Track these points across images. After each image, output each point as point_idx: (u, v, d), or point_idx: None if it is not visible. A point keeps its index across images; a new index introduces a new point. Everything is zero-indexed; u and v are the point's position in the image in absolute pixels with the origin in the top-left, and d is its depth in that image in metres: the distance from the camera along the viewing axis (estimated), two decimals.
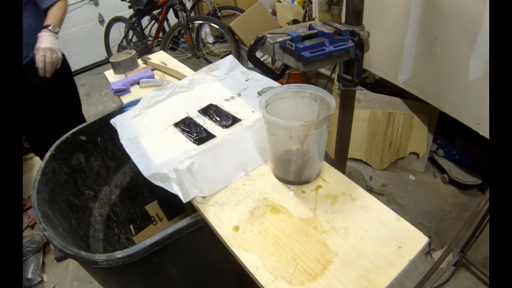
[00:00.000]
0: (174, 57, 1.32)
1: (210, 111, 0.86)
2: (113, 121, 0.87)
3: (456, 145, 2.01)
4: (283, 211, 0.61)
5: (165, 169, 0.65)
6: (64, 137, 0.91)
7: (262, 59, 1.40)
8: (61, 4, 1.32)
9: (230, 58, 1.06)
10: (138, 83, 1.12)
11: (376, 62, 1.83)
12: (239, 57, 3.03)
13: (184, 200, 0.62)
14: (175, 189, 0.63)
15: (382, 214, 0.58)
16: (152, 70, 1.21)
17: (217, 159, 0.68)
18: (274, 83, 0.94)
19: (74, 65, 3.73)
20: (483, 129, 1.35)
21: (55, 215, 0.77)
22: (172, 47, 3.49)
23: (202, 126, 0.81)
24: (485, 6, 1.18)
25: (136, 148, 0.76)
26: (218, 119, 0.82)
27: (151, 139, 0.79)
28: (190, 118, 0.84)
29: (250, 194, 0.64)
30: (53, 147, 0.86)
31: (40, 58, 1.16)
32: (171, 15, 3.34)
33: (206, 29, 3.87)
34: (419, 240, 0.54)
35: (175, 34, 3.28)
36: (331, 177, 0.67)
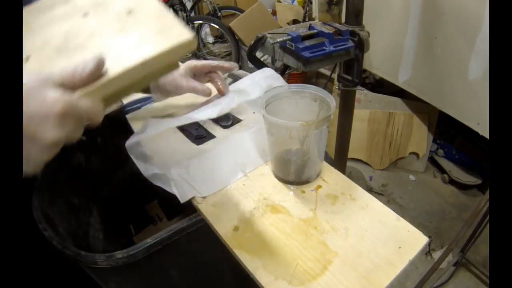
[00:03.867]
0: None
1: None
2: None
3: (456, 145, 2.01)
4: (283, 211, 0.61)
5: (164, 169, 0.65)
6: None
7: (262, 59, 1.40)
8: None
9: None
10: None
11: (376, 62, 1.83)
12: (239, 57, 3.03)
13: (182, 200, 0.62)
14: (173, 189, 0.63)
15: (382, 214, 0.58)
16: None
17: (216, 159, 0.68)
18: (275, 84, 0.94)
19: None
20: (483, 129, 1.35)
21: (55, 215, 0.77)
22: None
23: (202, 126, 0.81)
24: (485, 6, 1.18)
25: (137, 148, 0.76)
26: (218, 119, 0.82)
27: (151, 139, 0.79)
28: None
29: (250, 194, 0.64)
30: None
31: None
32: None
33: (206, 29, 3.87)
34: (419, 240, 0.54)
35: None
36: (331, 177, 0.67)
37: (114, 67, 0.38)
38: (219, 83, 0.77)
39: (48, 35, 0.45)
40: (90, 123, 0.38)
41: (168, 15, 0.44)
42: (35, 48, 0.44)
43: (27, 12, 0.49)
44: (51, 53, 0.43)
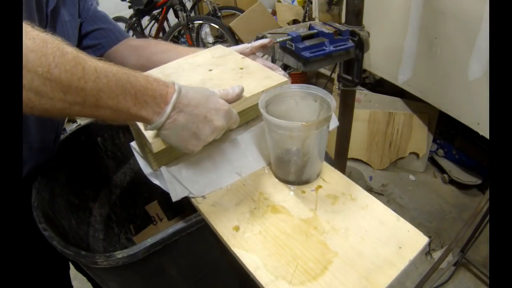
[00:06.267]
0: None
1: None
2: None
3: (456, 145, 2.01)
4: (283, 211, 0.61)
5: (161, 167, 0.65)
6: (64, 137, 0.90)
7: None
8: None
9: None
10: None
11: (376, 62, 1.83)
12: None
13: (174, 199, 0.62)
14: (168, 187, 0.63)
15: (382, 214, 0.58)
16: None
17: (212, 160, 0.67)
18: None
19: None
20: (483, 129, 1.35)
21: (55, 215, 0.77)
22: None
23: None
24: (485, 6, 1.18)
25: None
26: None
27: None
28: None
29: (250, 194, 0.64)
30: None
31: None
32: (171, 15, 3.34)
33: (206, 29, 3.87)
34: (419, 240, 0.54)
35: (175, 34, 3.28)
36: (331, 177, 0.67)
37: (245, 93, 0.61)
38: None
39: (187, 80, 0.67)
40: (233, 126, 0.58)
41: (266, 69, 0.69)
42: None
43: (165, 67, 0.72)
44: None
